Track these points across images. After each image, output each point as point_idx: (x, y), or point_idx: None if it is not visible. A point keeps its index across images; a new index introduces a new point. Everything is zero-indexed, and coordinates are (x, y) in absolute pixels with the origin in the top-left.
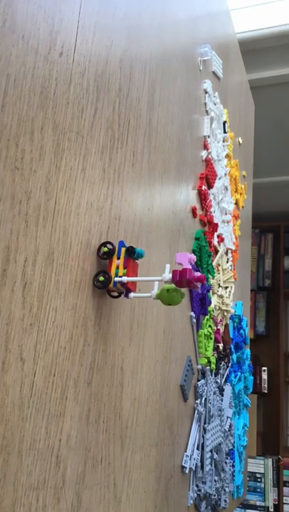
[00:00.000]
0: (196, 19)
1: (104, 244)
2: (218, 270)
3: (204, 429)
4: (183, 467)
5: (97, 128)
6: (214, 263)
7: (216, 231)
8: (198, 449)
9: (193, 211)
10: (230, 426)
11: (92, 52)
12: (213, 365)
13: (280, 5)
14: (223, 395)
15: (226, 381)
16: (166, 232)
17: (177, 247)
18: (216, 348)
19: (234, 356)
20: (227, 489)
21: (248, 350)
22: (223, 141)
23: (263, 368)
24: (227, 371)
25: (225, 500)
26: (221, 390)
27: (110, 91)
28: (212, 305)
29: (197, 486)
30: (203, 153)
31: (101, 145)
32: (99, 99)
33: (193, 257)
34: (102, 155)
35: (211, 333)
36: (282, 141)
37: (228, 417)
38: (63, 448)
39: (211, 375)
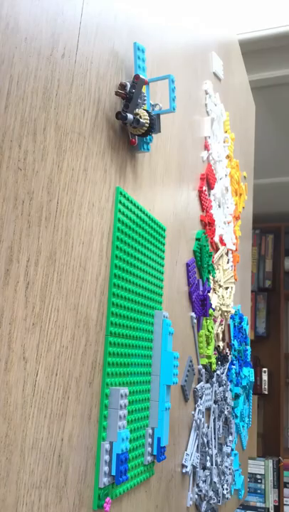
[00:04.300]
0: (198, 20)
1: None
2: (218, 269)
3: (204, 433)
4: (183, 465)
5: (98, 129)
6: (215, 262)
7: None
8: (197, 450)
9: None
10: (231, 425)
11: (93, 53)
12: (214, 366)
13: (280, 6)
14: (224, 395)
15: (227, 376)
16: (167, 232)
17: (178, 247)
18: (216, 348)
19: (235, 353)
20: (227, 490)
21: (249, 348)
22: (224, 142)
23: (264, 369)
24: (227, 368)
25: (225, 500)
26: (221, 385)
27: (112, 92)
28: (213, 305)
29: (198, 486)
30: (204, 154)
31: (103, 146)
32: (100, 100)
33: None
34: (104, 156)
35: (211, 334)
36: (284, 142)
37: (229, 416)
38: (65, 447)
39: (212, 377)
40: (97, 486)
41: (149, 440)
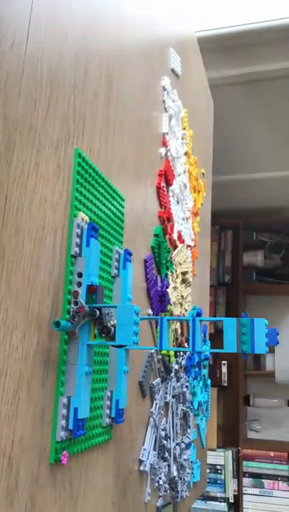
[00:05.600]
0: (155, 16)
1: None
2: (177, 264)
3: (162, 429)
4: (141, 461)
5: (50, 122)
6: (173, 258)
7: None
8: (155, 446)
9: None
10: (188, 416)
11: (45, 44)
12: (172, 359)
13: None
14: (182, 390)
15: (185, 370)
16: (125, 229)
17: (136, 243)
18: (174, 340)
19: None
20: (186, 483)
21: (208, 342)
22: (182, 139)
23: (223, 362)
24: (185, 360)
25: (183, 494)
26: (179, 380)
27: (65, 85)
28: (171, 301)
29: (156, 481)
30: (162, 151)
31: (55, 140)
32: (53, 93)
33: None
34: (57, 150)
35: (170, 329)
36: (241, 140)
37: (187, 409)
38: (16, 449)
39: (170, 372)
40: (54, 440)
41: (108, 403)
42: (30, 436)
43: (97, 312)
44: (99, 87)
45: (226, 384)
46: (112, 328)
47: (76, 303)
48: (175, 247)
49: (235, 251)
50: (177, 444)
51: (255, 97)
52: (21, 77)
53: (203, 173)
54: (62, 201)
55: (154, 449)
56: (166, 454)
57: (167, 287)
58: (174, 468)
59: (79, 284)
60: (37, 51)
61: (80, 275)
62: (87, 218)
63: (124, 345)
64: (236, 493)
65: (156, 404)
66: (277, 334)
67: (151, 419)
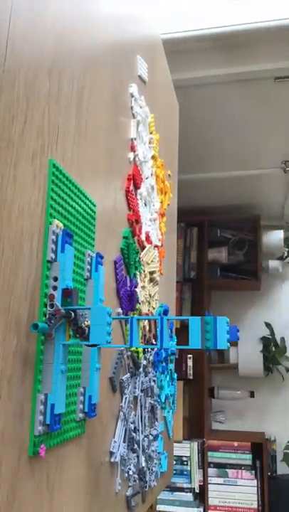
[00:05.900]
0: (122, 24)
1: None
2: (144, 264)
3: (131, 422)
4: (111, 453)
5: (27, 135)
6: (141, 259)
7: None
8: (125, 438)
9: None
10: (156, 410)
11: (22, 62)
12: (140, 355)
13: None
14: (150, 384)
15: (153, 365)
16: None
17: (106, 245)
18: (142, 337)
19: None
20: (154, 473)
21: (174, 337)
22: (149, 143)
23: (189, 356)
24: (153, 356)
25: (152, 483)
26: (147, 375)
27: (40, 99)
28: (140, 300)
29: (126, 472)
30: (130, 155)
31: (31, 152)
32: (29, 107)
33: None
34: (33, 161)
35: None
36: (207, 140)
37: (154, 402)
38: None
39: (139, 367)
40: (32, 434)
41: (81, 398)
42: (11, 431)
43: (72, 314)
44: (71, 98)
45: (191, 377)
46: (87, 329)
47: (52, 306)
48: (143, 247)
49: (200, 247)
50: (145, 436)
51: (219, 98)
52: (0, 95)
53: (169, 175)
54: (38, 210)
55: (124, 441)
56: (135, 446)
57: (136, 287)
58: (142, 459)
59: (55, 288)
60: (14, 69)
61: (55, 279)
62: (61, 225)
63: (98, 345)
64: (202, 483)
65: (126, 398)
66: (238, 331)
67: (121, 413)
